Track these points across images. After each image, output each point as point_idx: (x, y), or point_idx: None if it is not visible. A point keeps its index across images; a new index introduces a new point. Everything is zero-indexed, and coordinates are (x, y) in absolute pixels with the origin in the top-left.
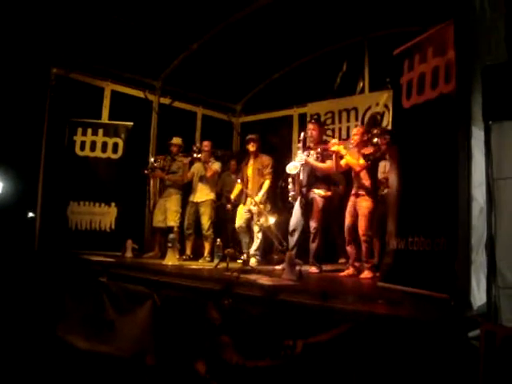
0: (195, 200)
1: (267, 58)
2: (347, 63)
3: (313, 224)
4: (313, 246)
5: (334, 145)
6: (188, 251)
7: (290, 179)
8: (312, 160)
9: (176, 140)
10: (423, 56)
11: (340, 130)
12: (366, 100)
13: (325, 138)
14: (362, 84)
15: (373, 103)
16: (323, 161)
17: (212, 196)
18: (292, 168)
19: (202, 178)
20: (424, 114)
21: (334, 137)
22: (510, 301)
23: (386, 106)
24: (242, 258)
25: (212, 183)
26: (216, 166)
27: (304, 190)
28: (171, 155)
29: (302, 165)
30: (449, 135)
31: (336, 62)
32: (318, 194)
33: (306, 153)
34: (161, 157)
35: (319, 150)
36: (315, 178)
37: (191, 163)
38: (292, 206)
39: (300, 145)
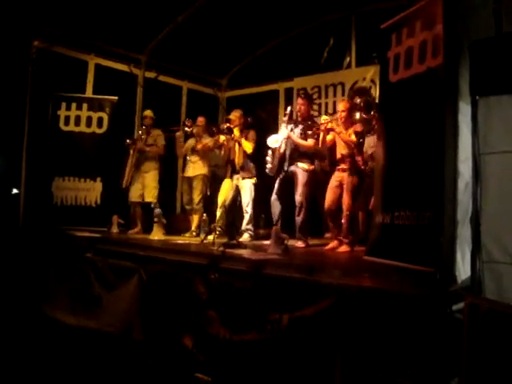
0: (188, 175)
1: (253, 32)
2: (334, 38)
3: (297, 198)
4: (298, 219)
5: (328, 122)
6: (193, 226)
7: (269, 151)
8: (295, 136)
9: (147, 112)
10: (411, 30)
11: (327, 104)
12: (352, 75)
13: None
14: (348, 59)
15: (359, 78)
16: (306, 138)
17: (204, 171)
18: (273, 141)
19: (194, 152)
20: (411, 89)
21: (320, 112)
22: (493, 274)
23: (372, 80)
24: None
25: (204, 158)
26: (208, 140)
27: (286, 164)
28: (145, 127)
29: (285, 139)
30: (435, 110)
31: (323, 36)
32: (302, 167)
33: (290, 127)
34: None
35: (309, 123)
36: (298, 152)
37: (186, 138)
38: (271, 178)
39: (286, 118)
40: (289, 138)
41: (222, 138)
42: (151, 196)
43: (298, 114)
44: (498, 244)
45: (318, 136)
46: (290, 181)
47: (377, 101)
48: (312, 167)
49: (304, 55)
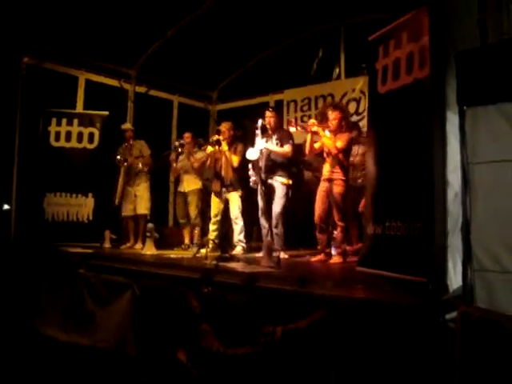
0: (183, 190)
1: (243, 45)
2: (323, 49)
3: (275, 210)
4: (276, 231)
5: (314, 125)
6: (186, 240)
7: (250, 165)
8: (271, 146)
9: (127, 126)
10: (398, 41)
11: (316, 116)
12: (342, 86)
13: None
14: (338, 70)
15: (349, 89)
16: (282, 146)
17: (199, 185)
18: (252, 154)
19: (187, 170)
20: (399, 100)
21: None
22: (484, 283)
23: (362, 91)
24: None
25: (198, 172)
26: (200, 155)
27: (264, 176)
28: (127, 141)
29: (261, 151)
30: (424, 120)
31: (312, 48)
32: (281, 181)
33: (264, 139)
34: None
35: (293, 129)
36: (274, 164)
37: (177, 157)
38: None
39: (258, 131)
40: (265, 148)
41: (210, 149)
42: (144, 208)
43: (268, 126)
44: (488, 253)
45: (293, 141)
46: (270, 193)
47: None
48: (290, 181)
49: (294, 67)
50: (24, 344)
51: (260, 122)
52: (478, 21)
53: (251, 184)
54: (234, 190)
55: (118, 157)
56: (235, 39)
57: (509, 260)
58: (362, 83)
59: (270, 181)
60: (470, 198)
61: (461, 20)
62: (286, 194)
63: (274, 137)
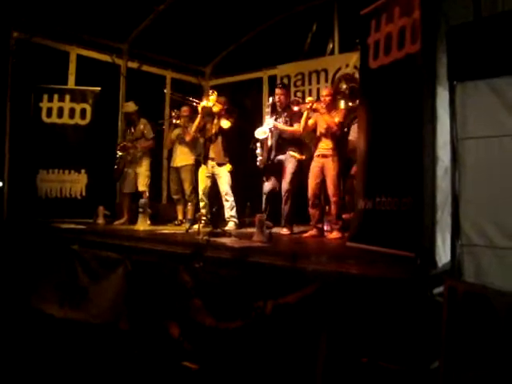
0: (175, 165)
1: (237, 20)
2: (317, 24)
3: (285, 186)
4: (285, 208)
5: (313, 103)
6: (180, 216)
7: (258, 144)
8: (280, 124)
9: (130, 107)
10: (390, 16)
11: (310, 91)
12: (335, 61)
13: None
14: (331, 45)
15: (343, 64)
16: (291, 124)
17: (192, 160)
18: (260, 133)
19: (181, 143)
20: (391, 75)
21: (304, 99)
22: (472, 258)
23: (356, 67)
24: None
25: (191, 147)
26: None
27: (272, 154)
28: (132, 124)
29: (271, 130)
30: (414, 96)
31: (306, 23)
32: (293, 155)
33: (273, 117)
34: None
35: (297, 108)
36: (284, 142)
37: (172, 129)
38: (260, 171)
39: (268, 110)
40: (275, 127)
41: (202, 104)
42: (144, 185)
43: (278, 103)
44: (476, 228)
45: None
46: (275, 170)
47: None
48: (303, 157)
49: (287, 42)
50: (21, 321)
51: (271, 99)
52: None
53: (258, 163)
54: (223, 163)
55: (119, 152)
56: (229, 14)
57: (496, 235)
58: (356, 58)
59: (280, 157)
60: (459, 174)
61: None
62: (297, 170)
63: (284, 115)
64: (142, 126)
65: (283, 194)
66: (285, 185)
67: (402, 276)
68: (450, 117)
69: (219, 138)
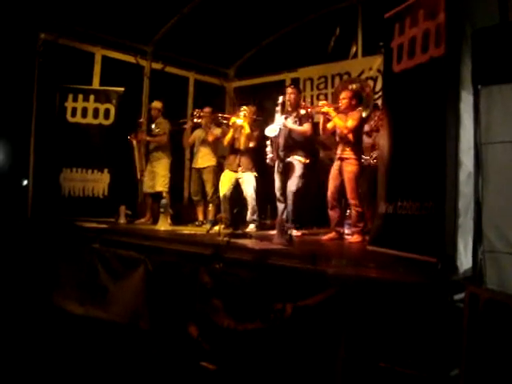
0: (197, 166)
1: (260, 22)
2: (340, 27)
3: (290, 188)
4: (289, 209)
5: (324, 106)
6: (200, 217)
7: (268, 142)
8: (290, 123)
9: (154, 104)
10: (414, 19)
11: (333, 94)
12: (359, 64)
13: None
14: (355, 48)
15: (366, 68)
16: (301, 124)
17: (214, 162)
18: (271, 131)
19: (203, 143)
20: (414, 79)
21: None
22: (494, 264)
23: (379, 70)
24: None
25: (213, 149)
26: (217, 131)
27: (282, 154)
28: (153, 121)
29: (281, 128)
30: (438, 100)
31: (329, 26)
32: (298, 160)
33: (283, 116)
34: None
35: (304, 111)
36: (293, 142)
37: (193, 129)
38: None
39: (279, 108)
40: (284, 126)
41: (234, 119)
42: (161, 185)
43: (288, 103)
44: (499, 234)
45: (313, 120)
46: (287, 172)
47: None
48: (308, 160)
49: (311, 45)
50: (42, 318)
51: (281, 98)
52: None
53: (268, 161)
54: (249, 169)
55: (129, 137)
56: (252, 16)
57: None
58: (380, 62)
59: (288, 159)
60: (482, 179)
61: None
62: (304, 173)
63: (294, 114)
64: (159, 124)
65: (287, 195)
66: (291, 187)
67: (423, 281)
68: (474, 121)
69: (249, 150)
